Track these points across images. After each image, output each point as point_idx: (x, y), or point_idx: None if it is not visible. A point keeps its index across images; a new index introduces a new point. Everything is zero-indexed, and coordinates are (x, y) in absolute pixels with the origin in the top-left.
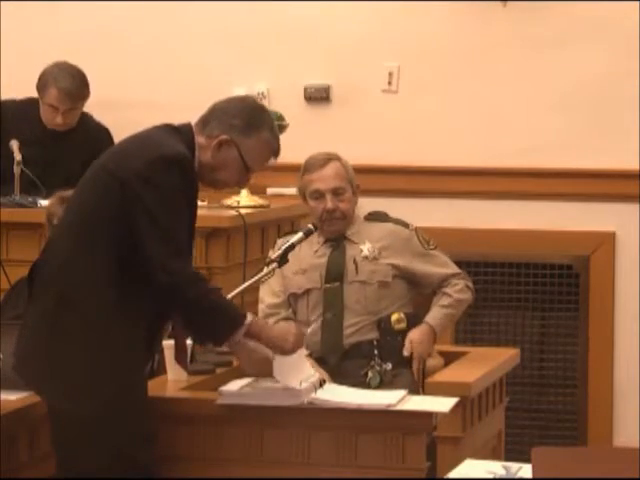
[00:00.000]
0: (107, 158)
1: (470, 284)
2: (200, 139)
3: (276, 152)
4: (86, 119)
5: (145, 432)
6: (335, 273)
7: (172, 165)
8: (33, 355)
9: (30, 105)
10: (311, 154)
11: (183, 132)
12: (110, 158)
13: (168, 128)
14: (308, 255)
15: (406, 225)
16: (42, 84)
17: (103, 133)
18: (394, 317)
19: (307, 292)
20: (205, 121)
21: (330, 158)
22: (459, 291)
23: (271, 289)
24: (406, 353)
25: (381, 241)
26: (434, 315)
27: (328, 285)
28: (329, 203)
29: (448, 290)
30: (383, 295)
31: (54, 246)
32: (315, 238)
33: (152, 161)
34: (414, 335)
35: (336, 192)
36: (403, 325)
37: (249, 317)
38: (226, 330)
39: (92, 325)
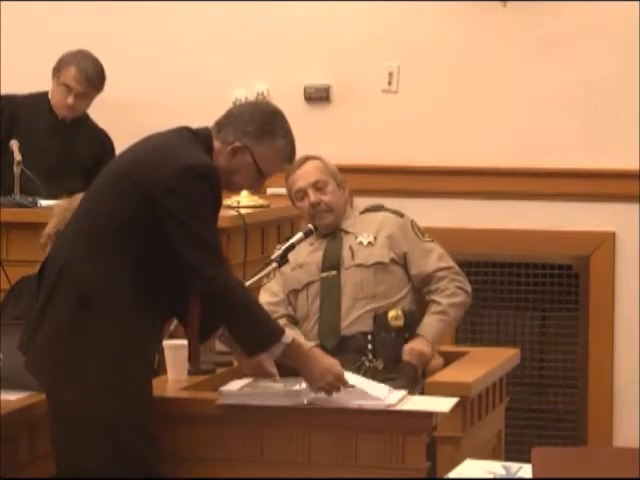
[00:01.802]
0: (127, 164)
1: (463, 285)
2: (216, 143)
3: (290, 158)
4: (88, 118)
5: (151, 433)
6: (331, 262)
7: (198, 175)
8: (48, 353)
9: (39, 99)
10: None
11: (201, 137)
12: (132, 164)
13: (188, 133)
14: (305, 251)
15: (401, 215)
16: (62, 64)
17: (105, 134)
18: (391, 313)
19: (306, 285)
20: (220, 126)
21: (308, 157)
22: (449, 296)
23: (269, 289)
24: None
25: (376, 226)
26: (425, 327)
27: (324, 274)
28: (312, 197)
29: (436, 297)
30: (381, 279)
31: (70, 246)
32: (310, 238)
33: (178, 172)
34: (412, 349)
35: (316, 185)
36: (400, 323)
37: (289, 336)
38: (262, 343)
39: (111, 327)
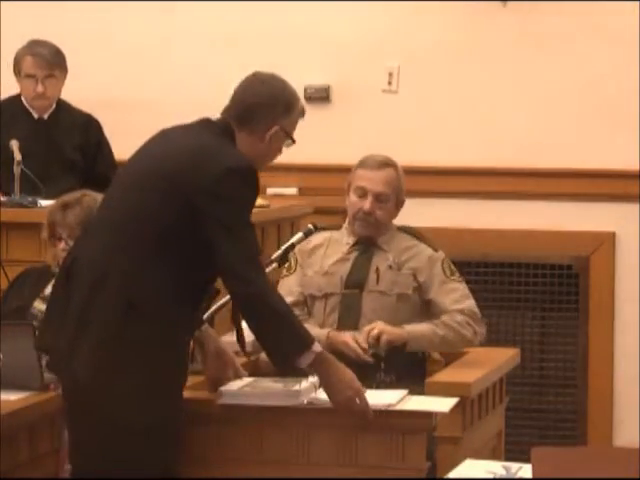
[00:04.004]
0: (162, 165)
1: (479, 328)
2: (243, 136)
3: (304, 112)
4: (67, 106)
5: (179, 440)
6: (356, 280)
7: (241, 177)
8: (96, 360)
9: (11, 103)
10: (373, 153)
11: (225, 130)
12: (168, 166)
13: (215, 128)
14: (333, 257)
15: (436, 249)
16: (18, 60)
17: (90, 119)
18: None
19: (326, 296)
20: (244, 119)
21: (388, 164)
22: (459, 323)
23: (288, 287)
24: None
25: (407, 253)
26: (416, 326)
27: (347, 291)
28: (367, 205)
29: (445, 318)
30: (401, 308)
31: (108, 252)
32: (345, 238)
33: (221, 175)
34: (383, 325)
35: (379, 197)
36: None
37: (318, 346)
38: (295, 349)
39: (159, 335)
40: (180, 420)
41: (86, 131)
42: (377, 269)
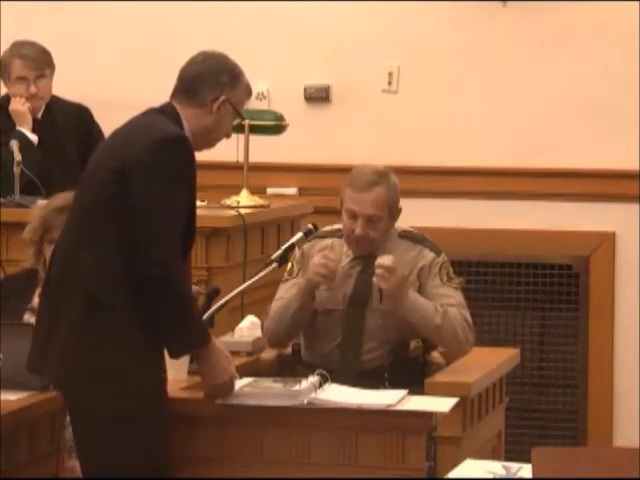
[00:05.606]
0: (102, 155)
1: (470, 337)
2: (190, 111)
3: (251, 91)
4: (59, 100)
5: (167, 433)
6: (359, 299)
7: (170, 147)
8: (66, 358)
9: (5, 104)
10: (362, 166)
11: (167, 112)
12: (107, 157)
13: (153, 112)
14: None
15: (438, 253)
16: (4, 65)
17: (82, 108)
18: (412, 345)
19: (328, 311)
20: (190, 91)
21: (377, 182)
22: (456, 320)
23: (288, 293)
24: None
25: (409, 266)
26: (420, 304)
27: (350, 310)
28: (359, 229)
29: (448, 308)
30: (404, 324)
31: (69, 251)
32: (344, 249)
33: (147, 146)
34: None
35: (370, 219)
36: (419, 352)
37: (214, 341)
38: (195, 345)
39: (125, 326)
40: (164, 407)
41: (81, 121)
42: (380, 288)
